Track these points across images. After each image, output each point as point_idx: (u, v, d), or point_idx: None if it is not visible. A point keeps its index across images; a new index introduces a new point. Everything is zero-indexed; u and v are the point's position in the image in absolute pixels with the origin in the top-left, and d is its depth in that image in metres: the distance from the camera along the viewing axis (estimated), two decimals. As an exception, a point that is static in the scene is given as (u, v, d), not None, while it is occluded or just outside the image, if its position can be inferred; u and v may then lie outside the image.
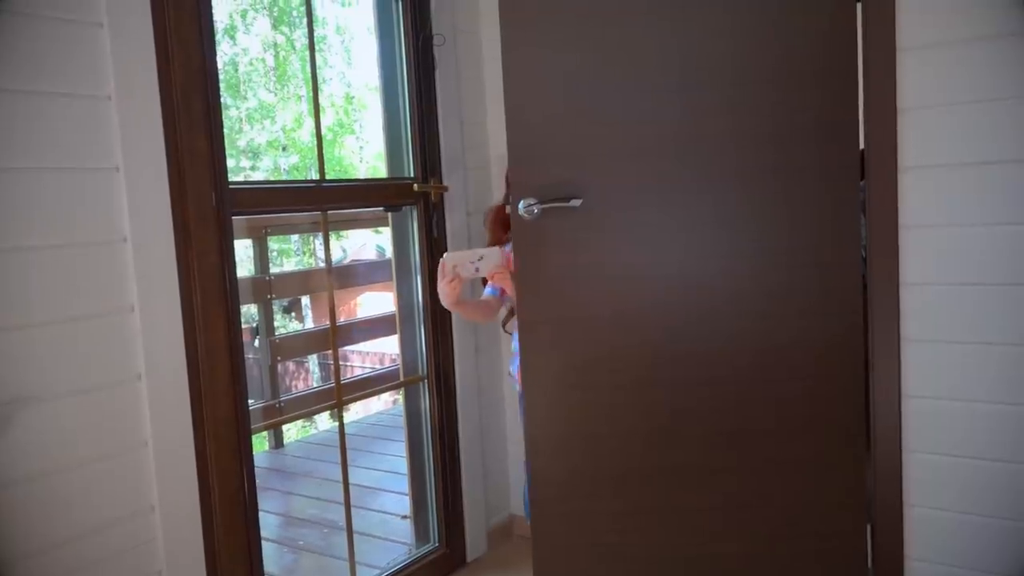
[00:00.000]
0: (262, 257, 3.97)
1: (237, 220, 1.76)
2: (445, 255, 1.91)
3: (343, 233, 8.65)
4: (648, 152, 1.69)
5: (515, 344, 2.07)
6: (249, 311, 4.54)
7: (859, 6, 1.62)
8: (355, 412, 5.37)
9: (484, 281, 2.11)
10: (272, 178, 10.25)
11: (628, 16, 1.67)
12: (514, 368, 2.11)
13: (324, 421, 6.39)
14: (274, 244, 8.44)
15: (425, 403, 2.41)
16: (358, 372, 7.27)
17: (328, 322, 2.57)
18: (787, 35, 1.63)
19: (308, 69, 2.21)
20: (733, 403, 1.73)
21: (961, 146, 1.55)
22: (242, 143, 10.22)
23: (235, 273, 1.72)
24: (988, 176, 1.53)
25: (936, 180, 1.58)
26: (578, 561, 1.83)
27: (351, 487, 2.23)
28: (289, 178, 10.51)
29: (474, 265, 1.91)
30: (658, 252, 1.73)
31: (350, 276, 5.05)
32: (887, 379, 1.66)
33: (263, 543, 1.82)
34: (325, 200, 2.15)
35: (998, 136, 1.51)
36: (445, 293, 1.96)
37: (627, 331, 1.74)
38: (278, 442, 4.25)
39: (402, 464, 2.94)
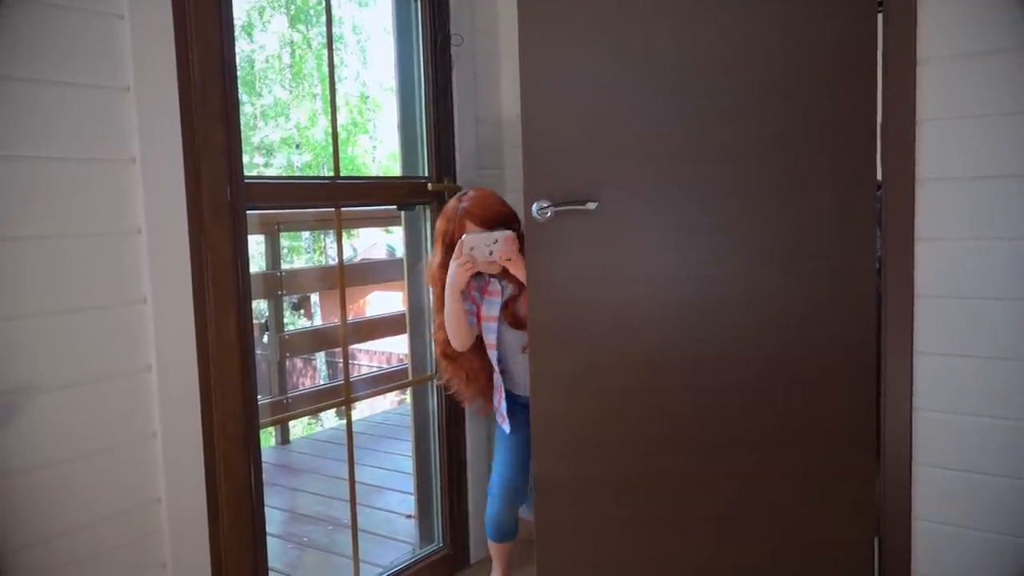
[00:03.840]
0: (274, 253, 3.98)
1: (250, 215, 1.76)
2: (465, 235, 1.90)
3: (353, 232, 8.69)
4: (662, 156, 1.69)
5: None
6: (259, 306, 4.56)
7: (880, 16, 1.61)
8: (361, 410, 5.37)
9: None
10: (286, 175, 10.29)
11: (646, 19, 1.67)
12: (504, 408, 2.09)
13: (330, 418, 6.40)
14: (285, 241, 8.46)
15: (432, 403, 2.40)
16: (365, 371, 7.29)
17: (337, 320, 2.56)
18: (808, 42, 1.62)
19: (324, 68, 2.20)
20: (743, 411, 1.72)
21: (981, 158, 1.54)
22: (256, 140, 10.28)
23: (248, 267, 1.72)
24: (1007, 189, 1.52)
25: (954, 192, 1.57)
26: (581, 568, 1.82)
27: (356, 485, 2.23)
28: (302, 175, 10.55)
29: (488, 248, 1.89)
30: (669, 257, 1.72)
31: (360, 274, 5.06)
32: (899, 391, 1.65)
33: (268, 538, 1.82)
34: (339, 197, 2.15)
35: (1018, 149, 1.50)
36: (455, 275, 1.94)
37: (636, 336, 1.73)
38: (284, 438, 4.26)
39: (407, 463, 2.94)
